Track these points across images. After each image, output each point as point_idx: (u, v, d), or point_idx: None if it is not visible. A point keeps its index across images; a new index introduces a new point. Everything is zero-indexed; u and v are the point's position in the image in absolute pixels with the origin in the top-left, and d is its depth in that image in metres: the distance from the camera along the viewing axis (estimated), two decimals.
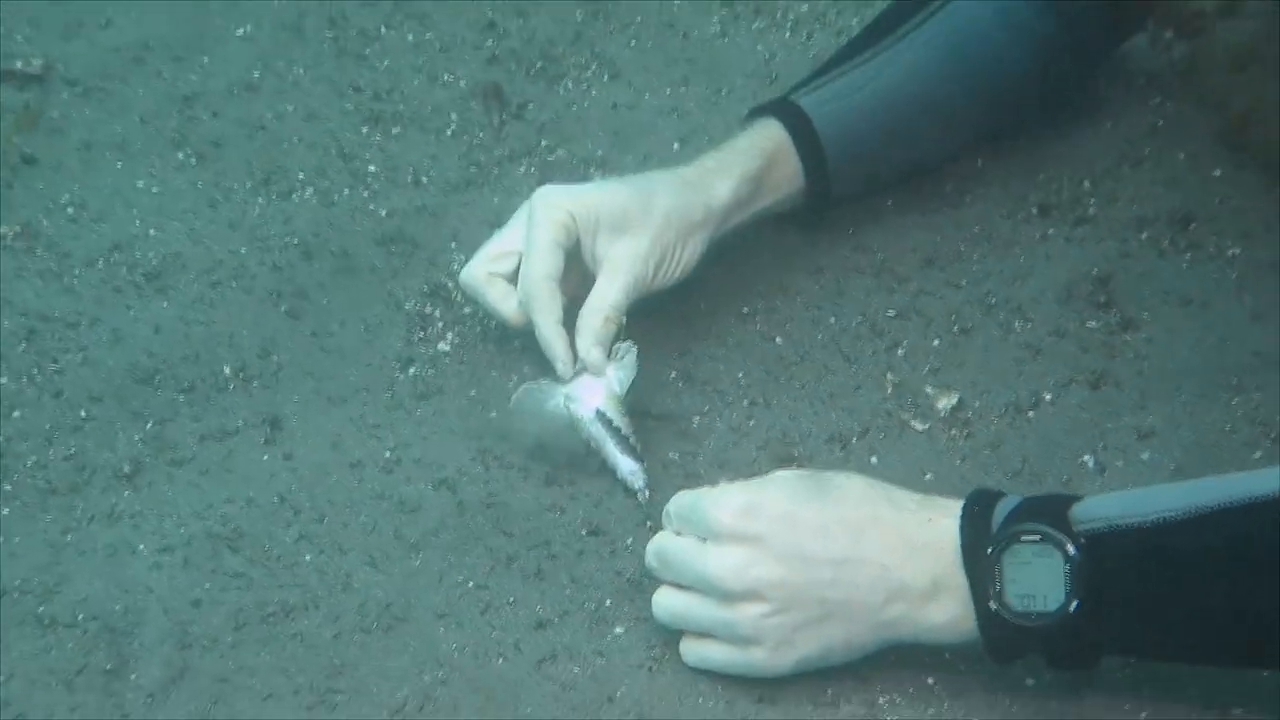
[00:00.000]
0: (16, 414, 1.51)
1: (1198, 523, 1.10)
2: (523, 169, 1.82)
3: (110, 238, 1.73)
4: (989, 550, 1.14)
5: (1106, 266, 1.59)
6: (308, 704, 1.23)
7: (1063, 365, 1.50)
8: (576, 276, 1.47)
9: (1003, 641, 1.16)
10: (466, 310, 1.62)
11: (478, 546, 1.36)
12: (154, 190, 1.81)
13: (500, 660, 1.26)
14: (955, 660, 1.24)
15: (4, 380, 1.55)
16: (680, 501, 1.26)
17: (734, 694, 1.23)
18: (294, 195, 1.79)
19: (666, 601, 1.25)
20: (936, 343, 1.54)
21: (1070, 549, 1.11)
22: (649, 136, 1.84)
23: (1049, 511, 1.14)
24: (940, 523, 1.17)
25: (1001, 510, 1.16)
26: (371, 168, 1.82)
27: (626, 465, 1.40)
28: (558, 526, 1.38)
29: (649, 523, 1.37)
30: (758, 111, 1.58)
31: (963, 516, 1.17)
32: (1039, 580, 1.12)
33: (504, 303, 1.47)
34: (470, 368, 1.56)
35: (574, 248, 1.44)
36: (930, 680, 1.23)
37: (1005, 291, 1.59)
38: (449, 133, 1.87)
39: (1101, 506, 1.14)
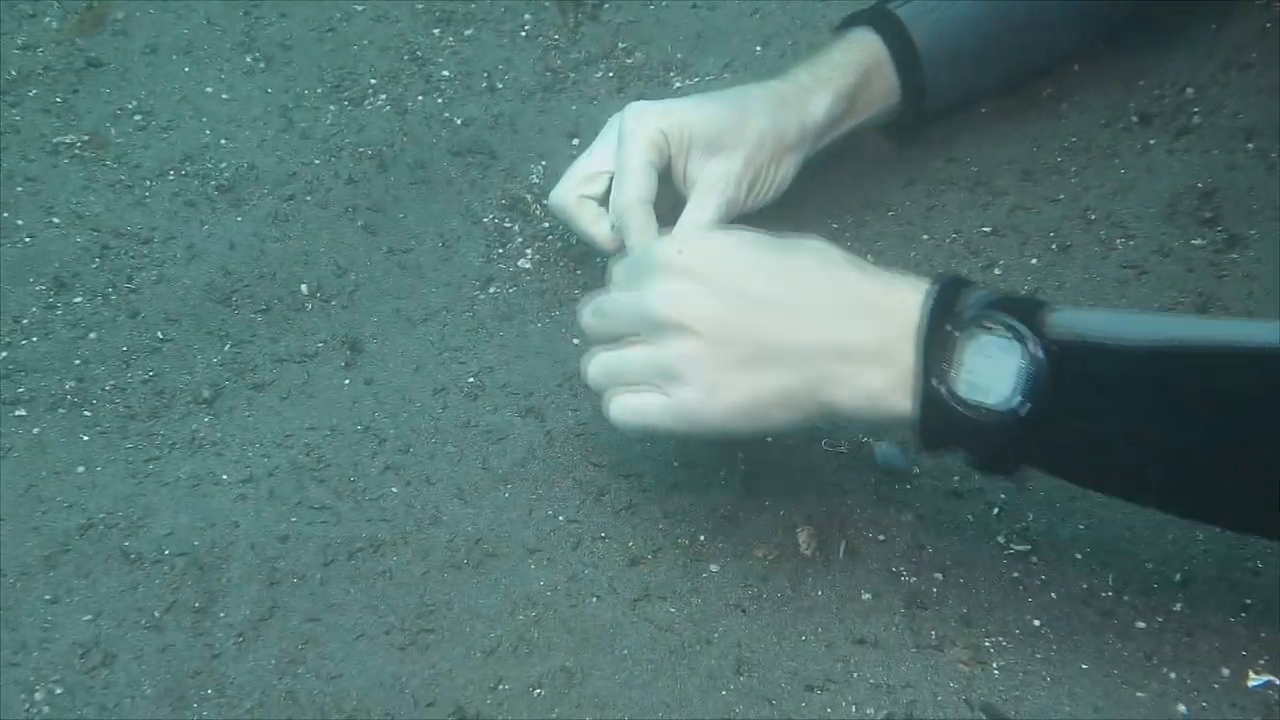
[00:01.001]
0: (93, 335, 1.49)
1: (1181, 357, 1.04)
2: (600, 73, 1.76)
3: (180, 147, 1.69)
4: (950, 329, 1.08)
5: (1211, 180, 1.52)
6: (399, 644, 1.21)
7: (1168, 286, 1.44)
8: (665, 195, 1.41)
9: (936, 426, 1.09)
10: (545, 225, 1.58)
11: (567, 479, 1.33)
12: (223, 96, 1.77)
13: (594, 599, 1.23)
14: (1062, 601, 1.21)
15: (79, 299, 1.52)
16: (629, 257, 1.25)
17: (834, 636, 1.20)
18: (366, 102, 1.74)
19: (598, 359, 1.21)
20: (1035, 261, 1.49)
21: (1035, 349, 1.04)
22: (730, 39, 1.78)
23: (1024, 309, 1.07)
24: (903, 291, 1.11)
25: (973, 297, 1.10)
26: (445, 73, 1.77)
27: None
28: (648, 458, 1.34)
29: (740, 453, 1.32)
30: (852, 21, 1.51)
31: (934, 291, 1.11)
32: (992, 373, 1.05)
33: (596, 226, 1.42)
34: (552, 286, 1.53)
35: (665, 167, 1.38)
36: (1037, 623, 1.20)
37: (1106, 206, 1.52)
38: (523, 34, 1.82)
39: (1081, 319, 1.07)
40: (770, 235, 1.19)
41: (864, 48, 1.47)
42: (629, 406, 1.19)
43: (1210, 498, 1.08)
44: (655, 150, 1.35)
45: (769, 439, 1.32)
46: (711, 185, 1.38)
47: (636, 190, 1.36)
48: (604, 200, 1.43)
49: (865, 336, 1.10)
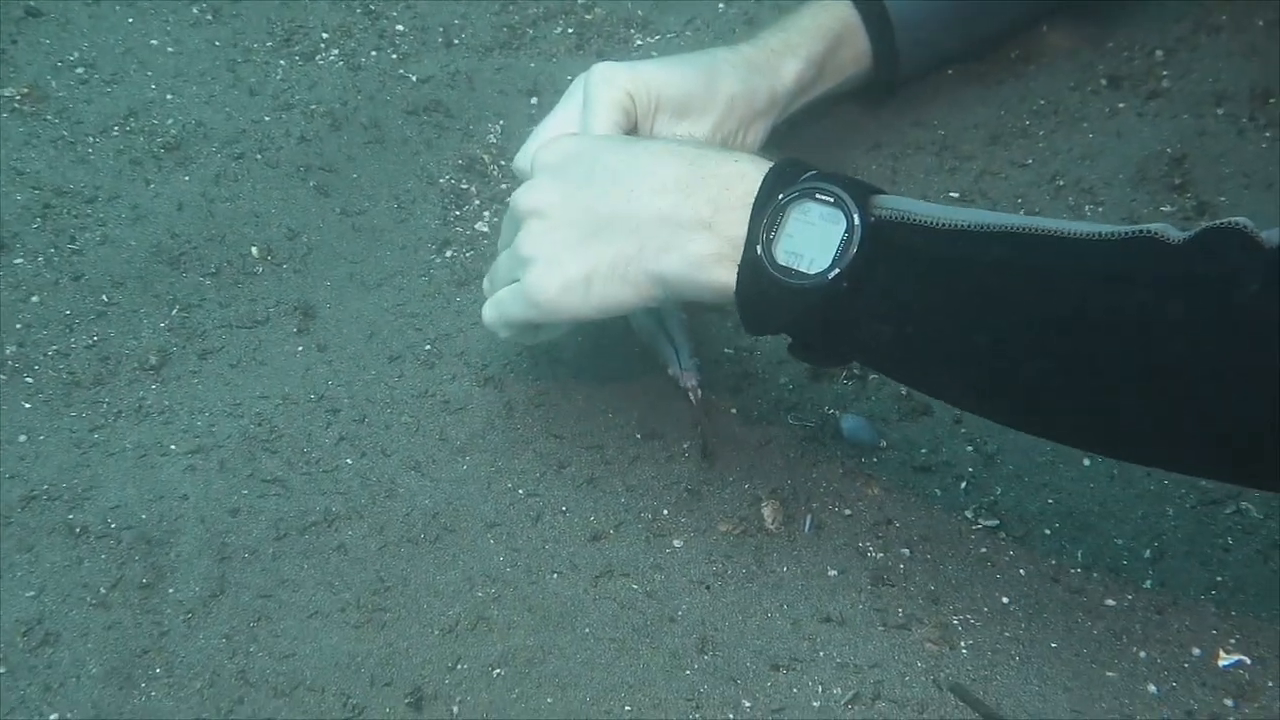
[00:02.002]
0: (35, 299, 1.44)
1: (988, 238, 1.03)
2: (559, 29, 1.72)
3: (125, 102, 1.64)
4: (781, 197, 1.08)
5: (1181, 145, 1.50)
6: (355, 622, 1.18)
7: None
8: None
9: (754, 296, 1.09)
10: (504, 186, 1.54)
11: (527, 450, 1.30)
12: (169, 49, 1.71)
13: (554, 576, 1.20)
14: (1031, 578, 1.19)
15: (20, 260, 1.47)
16: None
17: (800, 614, 1.17)
18: (318, 57, 1.69)
19: (487, 274, 1.28)
20: None
21: (855, 219, 1.05)
22: None
23: (854, 185, 1.08)
24: (744, 164, 1.12)
25: (811, 172, 1.11)
26: (399, 27, 1.73)
27: (678, 361, 1.32)
28: (610, 429, 1.31)
29: (699, 427, 1.29)
30: None
31: (775, 165, 1.11)
32: (816, 243, 1.06)
33: None
34: None
35: (631, 130, 1.34)
36: (1005, 600, 1.18)
37: (1074, 171, 1.50)
38: None
39: (906, 202, 1.07)
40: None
41: (835, 13, 1.44)
42: (490, 302, 1.24)
43: (1016, 389, 1.05)
44: (622, 113, 1.31)
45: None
46: None
47: None
48: None
49: (699, 204, 1.11)
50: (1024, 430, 1.12)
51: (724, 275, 1.10)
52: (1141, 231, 0.99)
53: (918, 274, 1.05)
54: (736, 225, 1.09)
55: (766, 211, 1.08)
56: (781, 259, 1.07)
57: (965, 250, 1.03)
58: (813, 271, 1.06)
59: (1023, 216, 1.05)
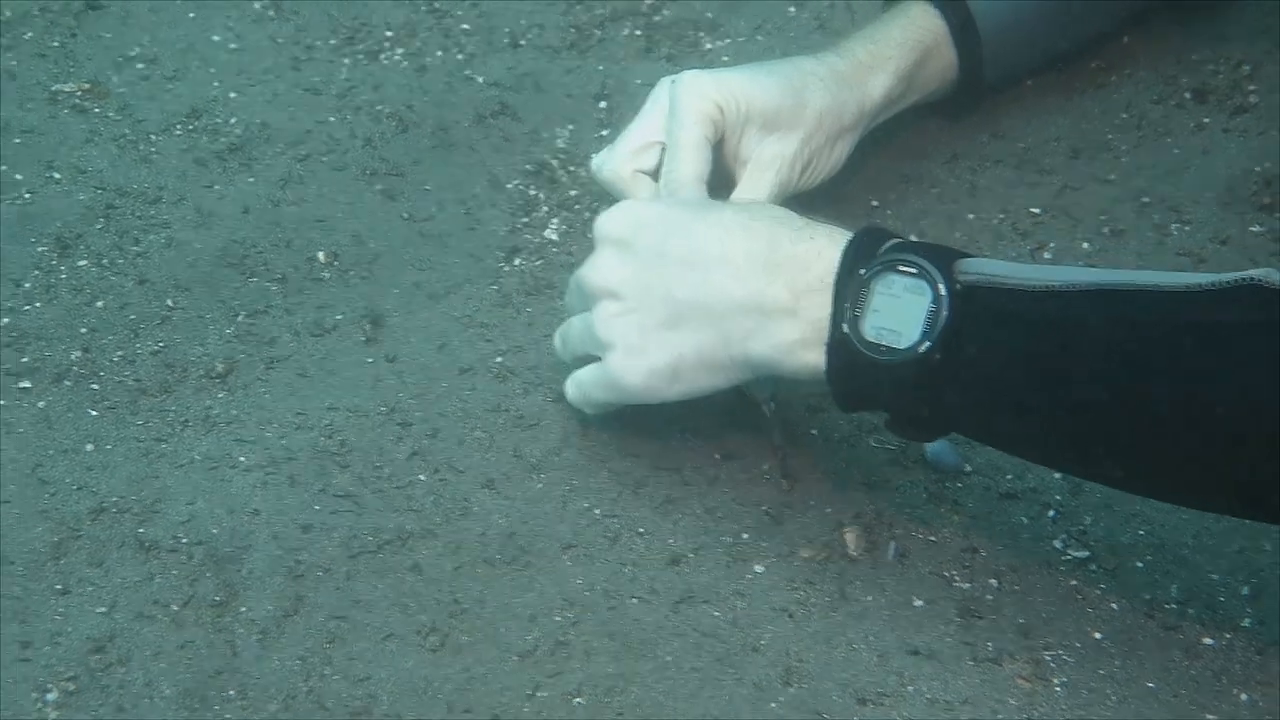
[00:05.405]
0: (100, 303, 1.41)
1: (1079, 296, 1.00)
2: (626, 31, 1.69)
3: (187, 100, 1.62)
4: (863, 273, 1.06)
5: (1270, 164, 1.46)
6: (431, 645, 1.15)
7: None
8: (714, 172, 1.34)
9: (845, 375, 1.07)
10: (572, 193, 1.51)
11: (602, 470, 1.27)
12: (231, 46, 1.69)
13: (634, 601, 1.18)
14: (1124, 613, 1.15)
15: (84, 263, 1.45)
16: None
17: (886, 645, 1.15)
18: (382, 57, 1.66)
19: (557, 332, 1.28)
20: (1086, 246, 1.43)
21: (941, 288, 1.03)
22: None
23: (936, 253, 1.05)
24: (820, 241, 1.10)
25: (891, 243, 1.08)
26: (464, 26, 1.70)
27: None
28: (688, 449, 1.28)
29: (778, 448, 1.26)
30: None
31: (853, 240, 1.09)
32: (903, 316, 1.04)
33: None
34: (580, 259, 1.42)
35: (719, 142, 1.31)
36: (1098, 635, 1.14)
37: (1160, 189, 1.46)
38: None
39: (988, 264, 1.05)
40: (707, 199, 1.26)
41: (924, 24, 1.40)
42: (573, 382, 1.24)
43: (1121, 449, 1.02)
44: (711, 125, 1.27)
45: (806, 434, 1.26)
46: (766, 167, 1.31)
47: (692, 169, 1.29)
48: (658, 174, 1.35)
49: (779, 290, 1.09)
50: (1133, 492, 1.10)
51: (813, 358, 1.09)
52: (1244, 280, 0.96)
53: (1010, 338, 1.02)
54: (819, 308, 1.07)
55: (849, 289, 1.06)
56: (870, 335, 1.05)
57: (1057, 311, 1.01)
58: (903, 346, 1.04)
59: (1113, 271, 1.03)
